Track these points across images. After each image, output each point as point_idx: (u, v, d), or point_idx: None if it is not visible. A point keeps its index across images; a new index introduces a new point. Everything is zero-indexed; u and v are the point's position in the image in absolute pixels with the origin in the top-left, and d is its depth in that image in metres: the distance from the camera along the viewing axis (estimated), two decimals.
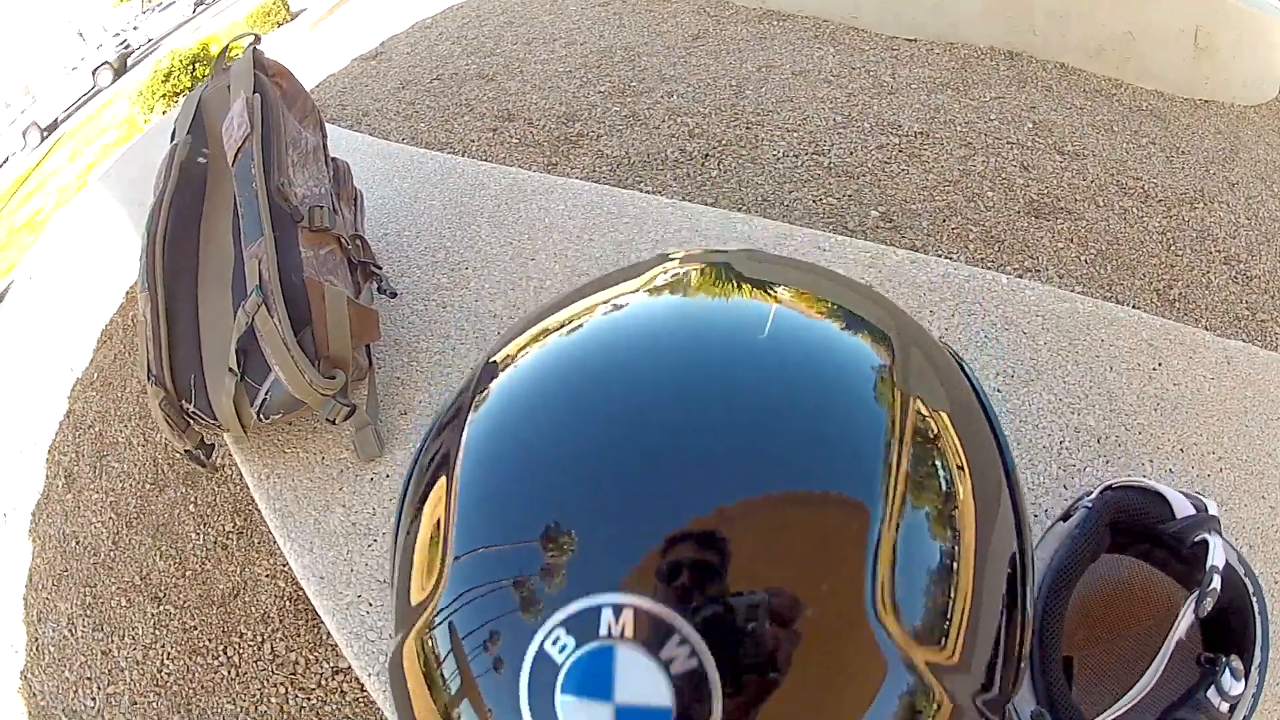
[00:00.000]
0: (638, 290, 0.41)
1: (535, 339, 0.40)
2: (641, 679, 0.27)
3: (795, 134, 2.69)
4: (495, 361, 0.41)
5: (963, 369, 0.43)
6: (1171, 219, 2.15)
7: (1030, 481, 0.72)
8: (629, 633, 0.28)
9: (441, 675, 0.34)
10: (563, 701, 0.28)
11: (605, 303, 0.41)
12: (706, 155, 2.68)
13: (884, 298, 0.43)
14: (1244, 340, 0.82)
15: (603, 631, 0.28)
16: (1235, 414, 0.75)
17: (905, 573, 0.31)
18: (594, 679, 0.28)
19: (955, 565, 0.33)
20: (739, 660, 0.28)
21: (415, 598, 0.36)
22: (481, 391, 0.39)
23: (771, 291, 0.40)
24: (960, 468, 0.36)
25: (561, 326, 0.40)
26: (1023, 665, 0.36)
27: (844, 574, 0.30)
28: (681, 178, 2.61)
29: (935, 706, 0.30)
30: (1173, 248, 2.07)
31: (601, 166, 2.74)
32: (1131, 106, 2.57)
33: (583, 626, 0.28)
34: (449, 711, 0.33)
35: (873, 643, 0.29)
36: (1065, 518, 0.61)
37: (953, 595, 0.32)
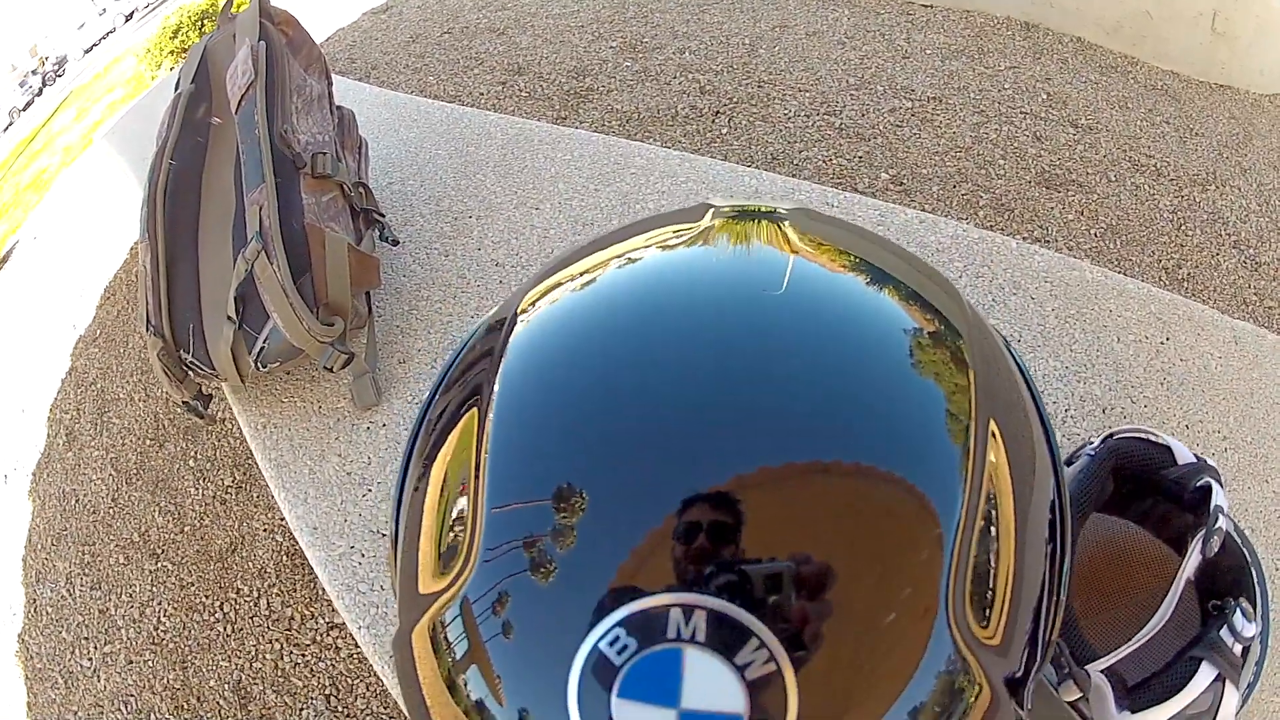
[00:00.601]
0: (689, 241, 0.38)
1: (566, 285, 0.38)
2: (712, 685, 0.25)
3: (807, 94, 2.67)
4: (524, 310, 0.38)
5: (1007, 348, 0.41)
6: (1183, 199, 2.13)
7: None
8: (700, 635, 0.26)
9: (463, 667, 0.31)
10: (618, 706, 0.26)
11: (647, 249, 0.38)
12: (717, 112, 2.66)
13: (931, 267, 0.42)
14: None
15: (670, 634, 0.26)
16: (1241, 395, 0.74)
17: (975, 576, 0.29)
18: (658, 684, 0.26)
19: (1012, 567, 0.31)
20: (815, 665, 0.26)
21: (428, 574, 0.33)
22: (511, 337, 0.36)
23: (834, 254, 0.38)
24: (1026, 460, 0.34)
25: (588, 278, 0.38)
26: (1051, 644, 0.35)
27: (924, 578, 0.29)
28: (691, 134, 2.59)
29: (976, 692, 0.29)
30: (1183, 228, 2.06)
31: (611, 121, 2.72)
32: (1146, 85, 2.54)
33: (647, 627, 0.26)
34: (473, 709, 0.30)
35: (946, 648, 0.28)
36: (1068, 464, 0.60)
37: (1014, 598, 0.31)
